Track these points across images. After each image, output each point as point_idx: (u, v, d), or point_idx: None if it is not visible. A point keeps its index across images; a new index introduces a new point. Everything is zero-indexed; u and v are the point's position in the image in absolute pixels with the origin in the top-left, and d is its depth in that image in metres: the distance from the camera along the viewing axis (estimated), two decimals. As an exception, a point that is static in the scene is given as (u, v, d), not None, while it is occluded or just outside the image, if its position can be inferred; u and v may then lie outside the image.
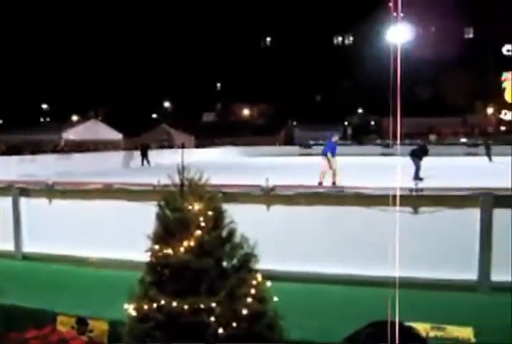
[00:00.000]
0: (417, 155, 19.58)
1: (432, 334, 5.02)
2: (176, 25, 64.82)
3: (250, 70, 65.92)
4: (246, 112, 72.38)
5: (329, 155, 18.27)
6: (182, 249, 3.51)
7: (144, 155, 33.43)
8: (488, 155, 32.61)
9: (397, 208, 5.91)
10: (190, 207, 3.61)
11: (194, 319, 3.41)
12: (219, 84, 74.97)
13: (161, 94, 66.81)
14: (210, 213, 3.65)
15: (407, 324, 4.13)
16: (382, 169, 21.80)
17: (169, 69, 64.31)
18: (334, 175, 17.80)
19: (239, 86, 65.76)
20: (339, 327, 5.16)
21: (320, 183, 16.58)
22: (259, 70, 65.92)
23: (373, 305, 5.68)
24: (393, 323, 3.50)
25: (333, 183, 16.33)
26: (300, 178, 14.56)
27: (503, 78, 64.23)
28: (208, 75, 67.40)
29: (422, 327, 5.07)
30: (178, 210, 3.61)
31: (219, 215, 3.75)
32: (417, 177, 18.42)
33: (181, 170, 3.75)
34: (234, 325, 3.44)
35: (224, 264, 3.62)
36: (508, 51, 63.84)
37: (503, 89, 64.21)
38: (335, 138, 19.03)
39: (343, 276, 6.34)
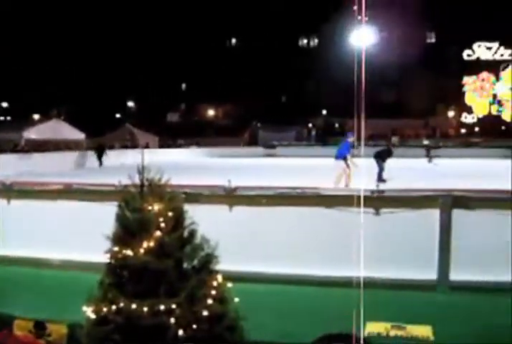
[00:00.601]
0: (381, 157, 19.60)
1: (392, 333, 5.08)
2: (140, 24, 64.24)
3: (215, 70, 65.75)
4: (211, 112, 72.16)
5: (348, 156, 17.37)
6: (142, 250, 3.47)
7: (100, 156, 32.91)
8: (428, 156, 33.57)
9: (361, 209, 5.95)
10: (150, 208, 3.56)
11: (154, 321, 3.37)
12: (183, 85, 74.56)
13: (125, 93, 66.13)
14: (170, 213, 3.61)
15: (368, 322, 4.16)
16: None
17: (133, 69, 63.69)
18: (348, 177, 16.87)
19: (204, 86, 65.50)
20: (302, 328, 5.19)
21: (347, 185, 15.60)
22: (224, 71, 65.80)
23: (337, 306, 5.73)
24: (346, 336, 3.53)
25: (346, 186, 15.46)
26: (263, 179, 14.59)
27: (463, 82, 65.61)
28: (173, 75, 66.98)
29: (383, 327, 5.14)
30: (138, 210, 3.56)
31: (179, 216, 3.72)
32: (380, 179, 18.41)
33: (141, 170, 3.70)
34: (195, 326, 3.41)
35: (185, 265, 3.59)
36: (469, 55, 65.19)
37: (464, 93, 65.59)
38: (351, 139, 18.01)
39: (305, 277, 6.36)
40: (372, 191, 6.23)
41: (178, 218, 3.70)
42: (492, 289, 6.07)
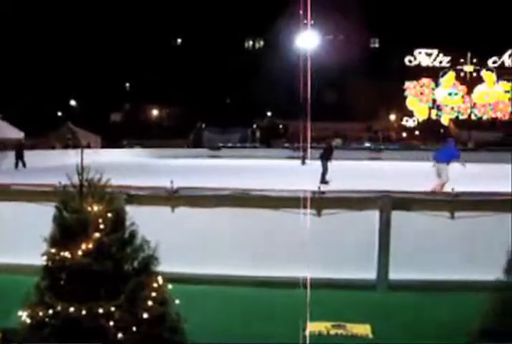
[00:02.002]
0: (324, 156, 19.63)
1: (332, 332, 5.16)
2: (84, 22, 62.94)
3: (160, 71, 65.08)
4: (155, 113, 71.36)
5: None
6: (80, 252, 3.39)
7: (19, 156, 30.04)
8: (303, 158, 34.57)
9: (308, 210, 6.02)
10: (89, 208, 3.49)
11: (93, 325, 3.30)
12: (127, 84, 73.47)
13: (67, 92, 64.59)
14: (110, 214, 3.54)
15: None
16: (289, 172, 22.29)
17: (76, 67, 62.30)
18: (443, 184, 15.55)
19: (149, 86, 64.73)
20: (244, 328, 5.20)
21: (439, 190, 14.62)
22: (169, 71, 65.21)
23: (280, 306, 5.78)
24: None
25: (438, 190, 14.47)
26: (207, 180, 14.54)
27: (405, 87, 67.34)
28: (117, 74, 65.90)
29: (323, 326, 5.20)
30: (77, 211, 3.48)
31: (120, 217, 3.66)
32: (323, 180, 18.46)
33: (80, 170, 3.62)
34: (134, 329, 3.36)
35: (125, 267, 3.53)
36: (410, 61, 66.95)
37: (405, 97, 67.32)
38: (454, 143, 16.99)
39: (249, 278, 6.38)
40: (313, 193, 6.30)
41: (119, 220, 3.64)
42: (431, 288, 6.25)
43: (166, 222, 6.53)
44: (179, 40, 75.02)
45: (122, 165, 29.25)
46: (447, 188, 6.83)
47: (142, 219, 3.79)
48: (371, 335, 5.11)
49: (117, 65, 64.67)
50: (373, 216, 6.38)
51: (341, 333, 5.14)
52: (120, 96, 69.76)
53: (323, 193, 6.41)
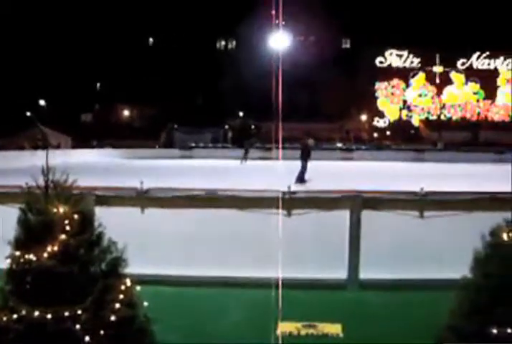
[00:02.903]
0: (303, 156, 19.69)
1: (303, 332, 5.16)
2: (55, 22, 62.09)
3: (131, 71, 64.54)
4: (126, 113, 70.74)
5: None
6: (46, 255, 3.32)
7: None
8: (245, 158, 35.13)
9: (279, 211, 6.01)
10: (55, 210, 3.43)
11: (58, 328, 3.24)
12: (98, 84, 72.69)
13: (36, 92, 63.61)
14: (77, 216, 3.48)
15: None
16: (261, 172, 22.28)
17: (45, 67, 61.40)
18: None
19: (120, 87, 64.15)
20: (216, 329, 5.18)
21: None
22: (140, 71, 64.70)
23: (251, 306, 5.77)
24: None
25: None
26: (178, 181, 14.44)
27: (376, 87, 67.98)
28: (87, 74, 65.14)
29: (294, 327, 5.21)
30: (42, 213, 3.41)
31: (87, 218, 3.60)
32: (301, 179, 18.31)
33: (46, 171, 3.55)
34: (102, 332, 3.31)
35: (92, 269, 3.48)
36: (381, 62, 67.60)
37: (376, 98, 67.95)
38: None
39: (219, 279, 6.35)
40: (284, 193, 6.30)
41: (86, 221, 3.58)
42: (401, 287, 6.30)
43: (136, 223, 6.47)
44: (151, 40, 74.48)
45: (92, 165, 28.93)
46: (417, 188, 6.89)
47: (111, 220, 3.74)
48: (341, 334, 5.13)
49: (88, 65, 63.94)
50: (344, 216, 6.41)
51: (312, 333, 5.16)
52: (91, 96, 68.99)
53: (294, 193, 6.42)
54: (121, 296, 3.44)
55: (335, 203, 6.42)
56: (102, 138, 54.29)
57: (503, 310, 3.36)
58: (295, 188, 6.85)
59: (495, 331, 3.35)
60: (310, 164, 19.73)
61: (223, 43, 74.04)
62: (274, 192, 6.03)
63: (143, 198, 6.61)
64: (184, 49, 65.54)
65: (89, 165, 27.73)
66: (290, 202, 6.34)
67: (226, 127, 61.77)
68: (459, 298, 3.81)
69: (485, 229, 3.80)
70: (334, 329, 5.23)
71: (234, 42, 73.06)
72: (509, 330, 3.29)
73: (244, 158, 34.88)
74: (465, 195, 7.18)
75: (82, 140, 52.03)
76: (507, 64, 67.34)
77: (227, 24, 62.80)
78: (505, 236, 3.58)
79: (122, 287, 3.49)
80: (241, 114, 65.15)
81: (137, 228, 6.29)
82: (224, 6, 61.06)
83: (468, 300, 3.71)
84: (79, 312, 3.26)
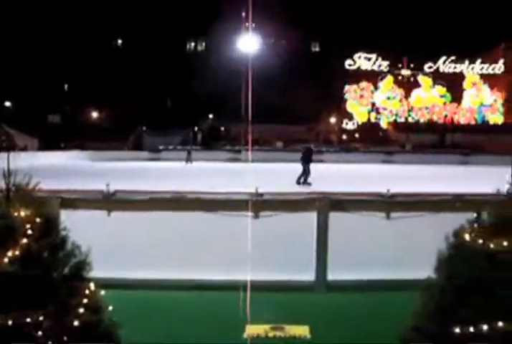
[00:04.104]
0: (305, 158, 19.94)
1: (271, 334, 5.16)
2: (21, 22, 61.07)
3: (100, 72, 63.85)
4: (94, 115, 69.93)
5: None
6: (7, 259, 3.25)
7: None
8: (189, 160, 35.56)
9: (248, 213, 6.00)
10: (16, 214, 3.35)
11: (20, 335, 3.17)
12: (66, 85, 71.71)
13: (1, 93, 62.45)
14: (39, 219, 3.41)
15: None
16: (230, 174, 22.26)
17: (11, 67, 60.34)
18: None
19: (89, 88, 63.39)
20: (184, 332, 5.14)
21: None
22: (109, 72, 64.07)
23: (219, 309, 5.74)
24: None
25: None
26: (146, 183, 14.35)
27: (345, 90, 68.50)
28: (55, 75, 64.23)
29: (262, 329, 5.20)
30: (3, 217, 3.33)
31: (50, 221, 3.53)
32: (304, 181, 18.71)
33: (7, 174, 3.47)
34: (65, 338, 3.25)
35: (55, 273, 3.41)
36: (350, 65, 68.17)
37: (345, 101, 68.47)
38: None
39: (188, 282, 6.31)
40: (252, 195, 6.30)
41: (49, 224, 3.51)
42: (368, 288, 6.35)
43: (102, 226, 6.39)
44: (119, 41, 73.79)
45: (59, 168, 28.51)
46: (384, 189, 6.96)
47: (77, 223, 3.69)
48: (309, 336, 5.14)
49: (56, 66, 63.06)
50: (311, 217, 6.43)
51: (280, 335, 5.16)
52: (59, 97, 68.01)
53: (262, 195, 6.42)
54: (85, 300, 3.38)
55: (303, 205, 6.44)
56: (70, 140, 53.53)
57: (465, 310, 3.41)
58: (300, 189, 6.85)
59: (458, 331, 3.40)
60: (279, 166, 19.83)
61: (192, 45, 73.76)
62: (241, 194, 6.02)
63: (110, 201, 6.54)
64: (153, 50, 65.09)
65: (56, 168, 27.33)
66: (258, 204, 6.33)
67: (196, 129, 61.52)
68: (423, 299, 3.86)
69: (450, 230, 3.86)
70: (302, 331, 5.24)
71: (203, 44, 72.84)
72: (472, 330, 3.34)
73: (188, 159, 35.15)
74: (431, 196, 7.29)
75: (50, 141, 51.20)
76: (472, 68, 68.63)
77: (197, 25, 62.62)
78: (467, 237, 3.64)
79: (87, 292, 3.43)
80: (210, 116, 64.99)
81: (103, 231, 6.21)
82: (193, 8, 60.87)
83: (432, 301, 3.75)
84: (42, 318, 3.20)
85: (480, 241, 3.56)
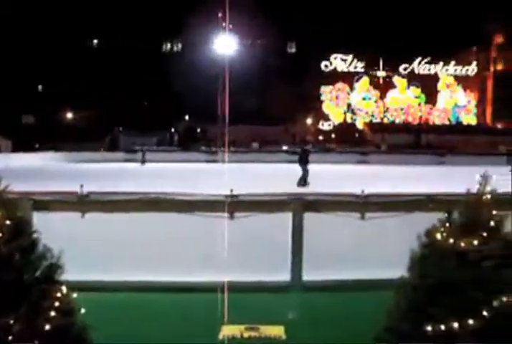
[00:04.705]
0: (303, 160, 20.19)
1: (246, 335, 5.17)
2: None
3: (75, 72, 63.18)
4: (69, 115, 69.21)
5: None
6: (-24, 263, 3.20)
7: None
8: (143, 161, 35.88)
9: (223, 214, 5.99)
10: (-15, 216, 3.30)
11: (-11, 339, 3.12)
12: (40, 86, 70.83)
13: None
14: (10, 222, 3.36)
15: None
16: (207, 175, 22.19)
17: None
18: None
19: (63, 89, 62.70)
20: (160, 333, 5.12)
21: None
22: (84, 72, 63.43)
23: (195, 310, 5.73)
24: None
25: None
26: (121, 185, 14.22)
27: (321, 91, 68.80)
28: (28, 76, 63.40)
29: (237, 329, 5.20)
30: (-29, 219, 3.29)
31: (21, 224, 3.48)
32: (304, 182, 18.97)
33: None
34: (36, 342, 3.20)
35: (26, 276, 3.36)
36: (326, 66, 68.49)
37: (321, 102, 68.78)
38: None
39: (164, 283, 6.28)
40: (227, 196, 6.30)
41: (20, 227, 3.47)
42: (343, 288, 6.38)
43: (76, 228, 6.32)
44: (95, 41, 73.12)
45: (33, 169, 28.14)
46: (358, 190, 7.01)
47: (51, 225, 3.65)
48: (284, 336, 5.16)
49: (30, 66, 62.26)
50: (286, 218, 6.45)
51: (255, 335, 5.17)
52: (33, 98, 67.14)
53: (236, 196, 6.42)
54: (57, 303, 3.34)
55: (278, 205, 6.46)
56: (44, 141, 52.85)
57: (437, 309, 3.45)
58: (303, 189, 6.83)
59: (429, 329, 3.43)
60: (255, 167, 19.92)
61: (169, 45, 73.41)
62: (217, 196, 6.01)
63: (84, 203, 6.47)
64: (129, 50, 64.65)
65: (30, 169, 26.97)
66: (233, 205, 6.33)
67: (172, 130, 61.25)
68: (396, 298, 3.89)
69: (423, 230, 3.90)
70: (277, 331, 5.25)
71: (179, 45, 72.54)
72: (443, 327, 3.38)
73: (142, 160, 35.23)
74: (405, 196, 7.36)
75: (24, 143, 50.50)
76: (446, 70, 69.54)
77: (173, 26, 62.36)
78: (439, 236, 3.68)
79: (58, 295, 3.39)
80: (187, 117, 64.77)
81: (77, 233, 6.15)
82: (170, 8, 60.61)
83: (405, 300, 3.79)
84: (12, 321, 3.15)
85: (451, 240, 3.60)
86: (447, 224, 3.75)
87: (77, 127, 63.06)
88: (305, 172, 19.65)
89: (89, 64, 64.34)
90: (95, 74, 63.19)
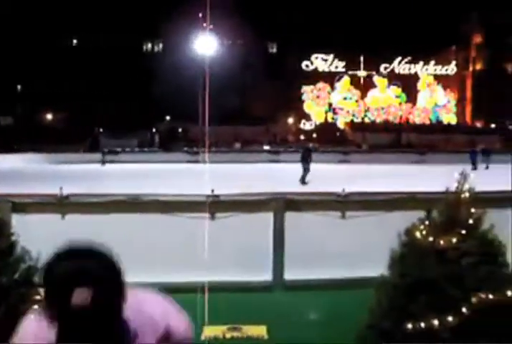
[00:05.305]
0: (305, 159, 20.92)
1: (228, 335, 5.16)
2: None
3: (55, 72, 62.62)
4: (49, 116, 68.58)
5: None
6: (-48, 266, 3.16)
7: None
8: (103, 161, 36.62)
9: (205, 214, 5.97)
10: (-39, 219, 3.27)
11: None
12: (19, 86, 70.10)
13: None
14: (-15, 224, 3.33)
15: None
16: (188, 176, 22.12)
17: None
18: None
19: (43, 89, 62.12)
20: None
21: None
22: (64, 73, 62.89)
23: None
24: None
25: None
26: (101, 186, 14.15)
27: (302, 91, 69.03)
28: (7, 76, 62.70)
29: (219, 330, 5.20)
30: None
31: (-1, 226, 3.45)
32: (303, 180, 19.71)
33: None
34: (14, 345, 3.16)
35: (4, 279, 3.33)
36: (307, 66, 68.73)
37: (302, 101, 69.00)
38: None
39: (146, 285, 6.22)
40: (207, 196, 6.29)
41: (-3, 229, 3.43)
42: (325, 287, 6.40)
43: (56, 230, 6.25)
44: (75, 41, 72.50)
45: (12, 171, 27.86)
46: (339, 189, 7.04)
47: (30, 228, 3.61)
48: (266, 336, 5.16)
49: (8, 66, 61.58)
50: (268, 218, 6.45)
51: (237, 336, 5.17)
52: (11, 99, 66.40)
53: (217, 196, 6.41)
54: (35, 307, 3.31)
55: (259, 205, 6.46)
56: (23, 142, 52.31)
57: (417, 306, 3.48)
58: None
59: (410, 326, 3.46)
60: (237, 167, 20.03)
61: (149, 45, 73.08)
62: (198, 196, 5.99)
63: (63, 204, 6.41)
64: (110, 50, 64.26)
65: (9, 171, 26.68)
66: (214, 205, 6.32)
67: (154, 130, 61.01)
68: (378, 296, 3.92)
69: (403, 228, 3.94)
70: (259, 331, 5.25)
71: (160, 45, 72.25)
72: (423, 325, 3.41)
73: (102, 161, 35.70)
74: (386, 195, 7.40)
75: (2, 144, 49.97)
76: (426, 69, 70.16)
77: (154, 26, 62.10)
78: (418, 235, 3.71)
79: (37, 297, 3.36)
80: (168, 118, 64.53)
81: (57, 235, 6.08)
82: (150, 8, 60.33)
83: (386, 298, 3.82)
84: (-10, 324, 3.12)
85: (431, 238, 3.63)
86: (427, 223, 3.79)
87: (56, 129, 62.52)
88: (307, 170, 20.50)
89: (69, 64, 63.82)
90: (74, 74, 62.73)
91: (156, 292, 2.13)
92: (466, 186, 3.74)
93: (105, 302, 1.76)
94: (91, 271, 1.77)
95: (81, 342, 1.70)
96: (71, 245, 1.82)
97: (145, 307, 2.05)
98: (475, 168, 28.45)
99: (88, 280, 1.73)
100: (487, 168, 30.82)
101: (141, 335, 1.92)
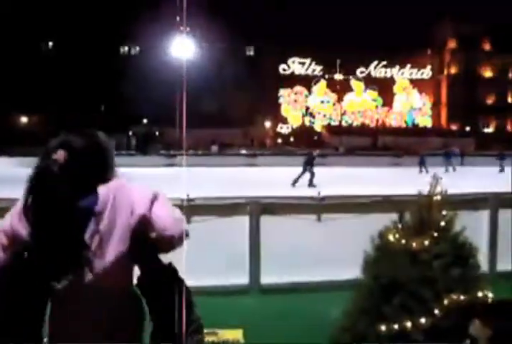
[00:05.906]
0: (309, 163, 21.63)
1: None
2: None
3: (30, 75, 61.91)
4: (24, 120, 67.75)
5: None
6: None
7: None
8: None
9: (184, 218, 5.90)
10: None
11: None
12: (-7, 90, 69.11)
13: None
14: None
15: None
16: (165, 179, 22.01)
17: None
18: None
19: (16, 93, 61.35)
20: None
21: None
22: (39, 76, 62.22)
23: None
24: None
25: None
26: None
27: (279, 94, 69.30)
28: (-20, 79, 61.84)
29: (195, 335, 5.16)
30: None
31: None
32: (311, 183, 20.20)
33: None
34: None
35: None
36: (284, 70, 69.05)
37: (280, 105, 69.26)
38: None
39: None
40: (182, 200, 6.25)
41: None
42: (302, 290, 6.41)
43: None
44: (50, 44, 71.80)
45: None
46: (314, 192, 7.07)
47: None
48: (242, 340, 5.14)
49: (-19, 69, 60.76)
50: (243, 221, 6.45)
51: (213, 340, 5.13)
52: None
53: (193, 200, 6.39)
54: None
55: (234, 209, 6.45)
56: (-3, 146, 51.62)
57: (390, 308, 3.51)
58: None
59: (383, 328, 3.48)
60: (214, 170, 20.00)
61: (126, 48, 72.71)
62: (173, 200, 5.95)
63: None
64: (85, 54, 63.76)
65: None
66: (190, 209, 6.29)
67: (130, 134, 60.66)
68: (353, 299, 3.94)
69: (378, 231, 3.96)
70: (235, 334, 5.23)
71: (137, 48, 71.92)
72: (396, 327, 3.44)
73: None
74: (361, 198, 7.45)
75: (-24, 148, 49.25)
76: (402, 73, 70.94)
77: (130, 29, 61.80)
78: (391, 237, 3.74)
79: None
80: (145, 121, 64.21)
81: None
82: (127, 11, 60.06)
83: (360, 300, 3.84)
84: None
85: (403, 240, 3.67)
86: (399, 225, 3.82)
87: (31, 132, 61.78)
88: (312, 174, 21.17)
89: (43, 67, 63.19)
90: (49, 77, 62.09)
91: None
92: (438, 189, 3.78)
93: (79, 166, 2.02)
94: (71, 142, 2.10)
95: (47, 203, 1.90)
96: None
97: (129, 190, 2.08)
98: (447, 170, 29.18)
99: (67, 147, 2.05)
100: (454, 170, 31.45)
101: (112, 210, 1.98)
